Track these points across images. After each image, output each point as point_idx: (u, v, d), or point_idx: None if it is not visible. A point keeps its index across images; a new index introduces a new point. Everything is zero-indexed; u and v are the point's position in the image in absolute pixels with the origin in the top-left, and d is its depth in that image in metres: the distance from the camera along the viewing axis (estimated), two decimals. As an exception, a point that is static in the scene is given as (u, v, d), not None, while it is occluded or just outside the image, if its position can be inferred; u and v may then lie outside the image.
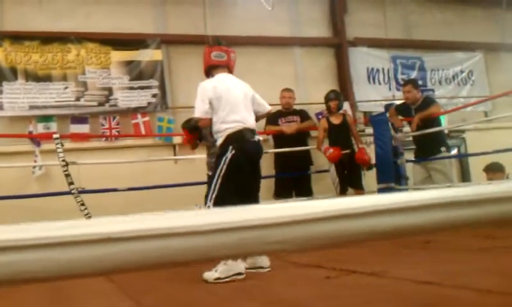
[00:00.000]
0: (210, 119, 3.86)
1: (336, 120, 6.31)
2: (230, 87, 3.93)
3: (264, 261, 3.75)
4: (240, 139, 3.78)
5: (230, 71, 4.13)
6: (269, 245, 0.72)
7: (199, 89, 3.90)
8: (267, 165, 6.97)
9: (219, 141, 3.82)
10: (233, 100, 3.88)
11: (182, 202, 6.10)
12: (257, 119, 4.12)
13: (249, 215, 0.71)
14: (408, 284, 2.70)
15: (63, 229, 0.63)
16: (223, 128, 3.81)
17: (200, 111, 3.87)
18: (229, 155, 3.69)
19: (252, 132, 3.87)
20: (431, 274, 2.79)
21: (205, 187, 4.13)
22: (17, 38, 6.89)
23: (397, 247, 4.02)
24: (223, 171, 3.68)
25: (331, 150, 6.11)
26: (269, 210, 0.73)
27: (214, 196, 3.66)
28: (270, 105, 7.13)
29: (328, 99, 6.36)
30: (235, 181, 3.71)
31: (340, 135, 6.21)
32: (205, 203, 3.78)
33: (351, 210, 0.74)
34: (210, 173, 4.22)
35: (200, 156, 7.17)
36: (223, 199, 3.59)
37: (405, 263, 3.47)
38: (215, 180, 3.69)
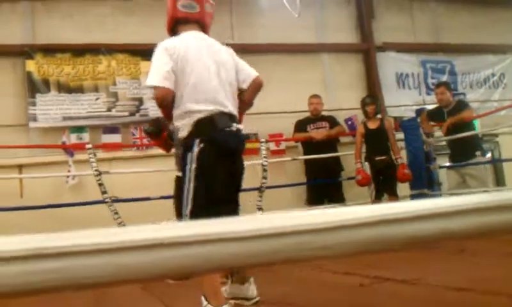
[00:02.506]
0: (171, 91, 2.73)
1: (373, 125, 6.25)
2: (200, 51, 2.83)
3: (250, 291, 2.98)
4: (212, 128, 2.72)
5: (204, 28, 3.01)
6: (310, 251, 0.72)
7: (157, 49, 2.79)
8: (297, 173, 6.98)
9: (182, 132, 2.77)
10: (203, 70, 2.79)
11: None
12: (249, 98, 3.02)
13: (293, 221, 0.72)
14: (441, 290, 2.66)
15: (117, 235, 0.64)
16: (186, 110, 2.74)
17: (156, 78, 2.71)
18: (196, 149, 2.68)
19: (231, 117, 2.81)
20: (464, 280, 2.74)
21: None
22: (49, 50, 7.04)
23: (429, 253, 3.97)
24: (192, 174, 2.69)
25: (360, 176, 6.09)
26: (311, 216, 0.73)
27: (188, 210, 2.69)
28: (298, 112, 7.33)
29: (364, 104, 6.31)
30: (210, 187, 2.70)
31: (377, 140, 6.14)
32: (178, 216, 2.82)
33: (391, 215, 0.74)
34: (179, 174, 3.17)
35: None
36: (199, 213, 2.65)
37: (438, 269, 3.42)
38: (185, 190, 2.71)
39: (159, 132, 3.27)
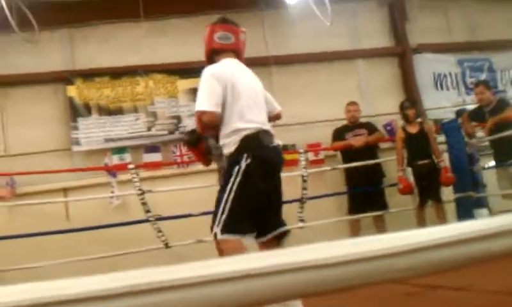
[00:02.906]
0: (219, 115, 2.98)
1: (413, 129, 6.16)
2: (243, 76, 3.14)
3: None
4: (258, 144, 2.97)
5: (239, 57, 3.28)
6: (391, 273, 0.73)
7: (203, 76, 3.06)
8: (337, 182, 6.92)
9: (229, 148, 2.99)
10: (248, 93, 3.07)
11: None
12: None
13: (377, 245, 0.72)
14: (497, 296, 2.59)
15: (208, 268, 0.66)
16: (234, 129, 2.97)
17: (206, 102, 2.96)
18: (243, 164, 2.89)
19: (271, 135, 3.10)
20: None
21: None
22: (88, 75, 7.22)
23: None
24: (235, 185, 2.87)
25: (402, 185, 6.00)
26: (390, 239, 0.74)
27: (223, 218, 2.86)
28: (335, 120, 7.29)
29: (404, 108, 6.23)
30: (251, 200, 2.92)
31: (418, 144, 6.05)
32: (212, 226, 2.96)
33: (464, 235, 0.74)
34: None
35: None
36: (235, 222, 2.86)
37: (490, 274, 3.32)
38: (224, 198, 2.88)
39: (197, 142, 3.32)
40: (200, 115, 3.01)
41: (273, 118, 3.40)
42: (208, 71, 3.07)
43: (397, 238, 0.76)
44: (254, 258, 0.70)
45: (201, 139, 3.22)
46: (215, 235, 2.93)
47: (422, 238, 0.73)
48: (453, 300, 2.78)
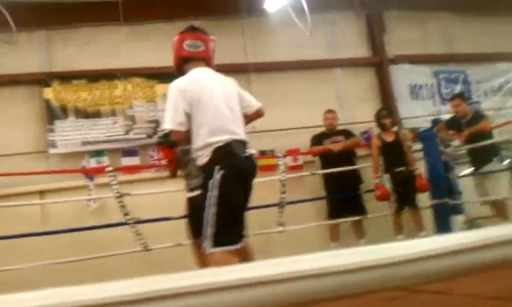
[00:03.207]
0: (184, 133, 3.04)
1: (389, 138, 6.27)
2: (211, 87, 3.11)
3: None
4: (230, 154, 2.99)
5: (209, 65, 3.29)
6: (398, 281, 0.75)
7: (169, 91, 3.09)
8: (316, 187, 6.97)
9: (202, 160, 3.03)
10: (216, 104, 3.07)
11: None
12: (247, 122, 3.37)
13: (387, 253, 0.74)
14: (476, 300, 2.63)
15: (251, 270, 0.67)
16: (205, 143, 3.00)
17: (172, 121, 3.01)
18: (217, 176, 2.91)
19: (243, 144, 3.12)
20: (499, 289, 2.71)
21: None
22: (65, 77, 7.14)
23: None
24: (213, 199, 2.90)
25: (379, 192, 6.10)
26: (400, 247, 0.76)
27: (212, 233, 2.90)
28: (313, 127, 7.34)
29: (380, 117, 6.33)
30: (232, 209, 2.97)
31: (394, 152, 6.16)
32: (200, 241, 2.99)
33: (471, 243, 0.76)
34: (191, 194, 3.55)
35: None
36: (224, 233, 2.91)
37: (470, 278, 3.36)
38: (207, 214, 2.91)
39: (173, 144, 3.29)
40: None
41: (254, 115, 3.41)
42: (175, 86, 3.08)
43: (402, 247, 0.78)
44: (267, 266, 0.72)
45: (175, 145, 3.25)
46: (205, 248, 2.97)
47: (430, 246, 0.76)
48: (434, 303, 2.82)
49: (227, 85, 3.24)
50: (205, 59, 3.26)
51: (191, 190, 3.58)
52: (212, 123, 3.01)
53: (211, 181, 2.91)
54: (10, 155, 6.61)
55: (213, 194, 2.90)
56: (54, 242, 5.76)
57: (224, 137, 2.99)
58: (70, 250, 5.66)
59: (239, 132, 3.10)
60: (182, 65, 3.25)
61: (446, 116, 7.11)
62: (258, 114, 3.43)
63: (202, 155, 3.02)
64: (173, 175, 3.54)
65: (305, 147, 7.18)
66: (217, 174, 2.91)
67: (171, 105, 3.03)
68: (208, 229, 2.90)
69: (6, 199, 6.19)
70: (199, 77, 3.14)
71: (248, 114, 3.34)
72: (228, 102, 3.14)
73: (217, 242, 2.90)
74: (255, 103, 3.38)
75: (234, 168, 2.97)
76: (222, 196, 2.90)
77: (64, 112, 7.04)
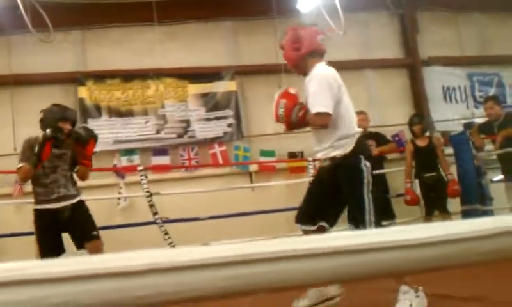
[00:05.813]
0: (332, 117, 3.00)
1: (421, 143, 6.20)
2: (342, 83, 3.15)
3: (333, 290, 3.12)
4: (365, 148, 3.25)
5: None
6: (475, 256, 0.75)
7: (319, 78, 3.03)
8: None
9: (344, 149, 3.03)
10: (349, 100, 3.17)
11: (261, 229, 6.18)
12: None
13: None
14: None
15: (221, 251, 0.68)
16: (349, 132, 3.06)
17: (326, 104, 2.96)
18: (366, 167, 3.02)
19: None
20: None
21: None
22: (100, 77, 7.29)
23: (496, 268, 3.78)
24: (368, 187, 3.02)
25: (409, 197, 6.03)
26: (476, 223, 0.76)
27: (371, 216, 3.01)
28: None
29: (411, 123, 6.28)
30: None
31: (426, 157, 6.10)
32: (357, 225, 3.01)
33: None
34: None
35: (277, 183, 7.30)
36: (373, 214, 3.04)
37: (505, 285, 3.25)
38: (366, 199, 3.02)
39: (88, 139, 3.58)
40: (317, 115, 3.01)
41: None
42: (321, 74, 3.06)
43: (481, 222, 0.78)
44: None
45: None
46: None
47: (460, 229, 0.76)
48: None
49: None
50: (323, 56, 3.24)
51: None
52: (353, 114, 3.16)
53: (363, 168, 3.00)
54: (45, 153, 6.75)
55: (370, 180, 3.02)
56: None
57: (358, 130, 3.15)
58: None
59: None
60: (307, 59, 3.14)
61: (479, 120, 6.97)
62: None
63: (346, 144, 3.04)
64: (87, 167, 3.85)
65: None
66: (365, 166, 3.01)
67: (320, 90, 3.00)
68: (369, 213, 2.99)
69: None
70: (333, 71, 3.15)
71: None
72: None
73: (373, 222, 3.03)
74: None
75: (368, 161, 3.09)
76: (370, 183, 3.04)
77: (97, 110, 7.17)
